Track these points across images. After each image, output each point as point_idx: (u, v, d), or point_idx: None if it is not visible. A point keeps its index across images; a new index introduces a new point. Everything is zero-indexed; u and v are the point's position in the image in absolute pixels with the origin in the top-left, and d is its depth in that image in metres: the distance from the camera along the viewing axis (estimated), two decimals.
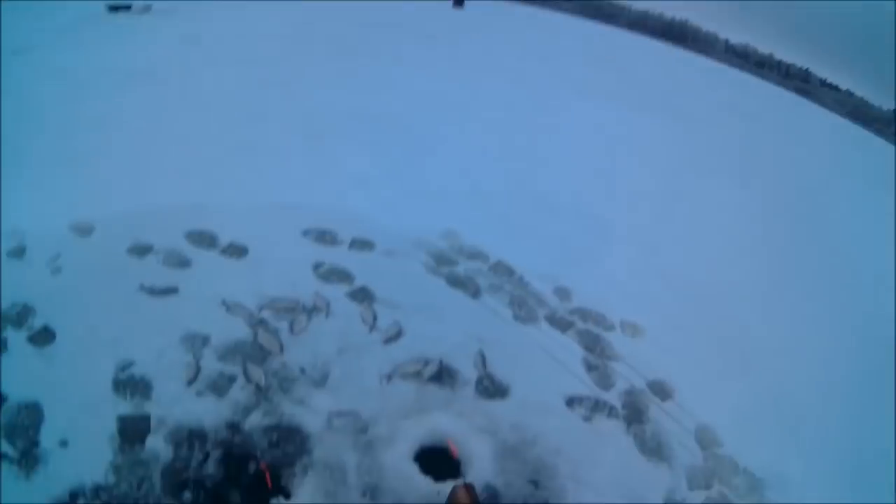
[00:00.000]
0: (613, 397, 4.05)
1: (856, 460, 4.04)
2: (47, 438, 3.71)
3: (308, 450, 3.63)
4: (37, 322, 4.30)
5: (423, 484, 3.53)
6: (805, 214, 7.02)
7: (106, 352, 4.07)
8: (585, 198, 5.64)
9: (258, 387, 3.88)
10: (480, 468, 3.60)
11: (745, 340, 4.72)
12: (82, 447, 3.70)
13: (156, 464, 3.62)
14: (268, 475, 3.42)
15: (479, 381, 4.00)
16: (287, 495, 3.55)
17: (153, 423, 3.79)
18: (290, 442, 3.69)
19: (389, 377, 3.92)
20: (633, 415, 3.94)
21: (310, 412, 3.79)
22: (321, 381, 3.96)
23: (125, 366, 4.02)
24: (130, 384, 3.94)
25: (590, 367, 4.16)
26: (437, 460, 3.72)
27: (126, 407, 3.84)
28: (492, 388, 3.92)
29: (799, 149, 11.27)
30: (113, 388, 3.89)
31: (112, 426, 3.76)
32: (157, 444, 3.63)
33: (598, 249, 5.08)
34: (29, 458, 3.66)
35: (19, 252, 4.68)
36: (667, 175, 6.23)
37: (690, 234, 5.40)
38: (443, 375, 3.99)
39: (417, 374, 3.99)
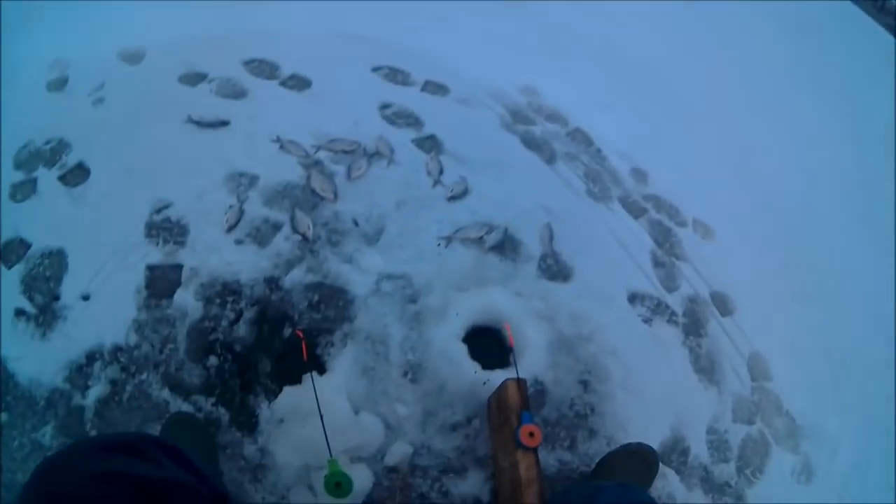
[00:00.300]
0: (676, 301, 3.22)
1: (890, 424, 3.32)
2: (68, 292, 3.04)
3: (350, 316, 2.89)
4: (71, 159, 3.47)
5: (470, 370, 2.80)
6: None
7: (142, 191, 3.29)
8: (676, 82, 4.43)
9: (304, 238, 3.09)
10: (531, 359, 2.86)
11: (811, 271, 3.73)
12: (105, 302, 3.02)
13: (182, 322, 2.92)
14: (304, 344, 2.66)
15: (542, 259, 3.13)
16: (321, 369, 2.84)
17: (185, 274, 3.06)
18: (332, 305, 2.93)
19: (449, 240, 3.07)
20: (692, 326, 3.16)
21: (358, 272, 3.00)
22: (374, 237, 3.14)
23: (161, 207, 3.24)
24: (165, 228, 3.17)
25: (657, 263, 3.30)
26: (487, 344, 2.95)
27: (157, 255, 3.10)
28: (555, 268, 3.08)
29: None
30: (145, 233, 3.14)
31: (140, 277, 3.03)
32: (186, 300, 2.94)
33: (681, 139, 4.03)
34: (47, 315, 3.01)
35: (60, 84, 3.79)
36: (764, 81, 4.89)
37: (778, 147, 4.28)
38: (506, 246, 3.13)
39: (479, 241, 3.13)
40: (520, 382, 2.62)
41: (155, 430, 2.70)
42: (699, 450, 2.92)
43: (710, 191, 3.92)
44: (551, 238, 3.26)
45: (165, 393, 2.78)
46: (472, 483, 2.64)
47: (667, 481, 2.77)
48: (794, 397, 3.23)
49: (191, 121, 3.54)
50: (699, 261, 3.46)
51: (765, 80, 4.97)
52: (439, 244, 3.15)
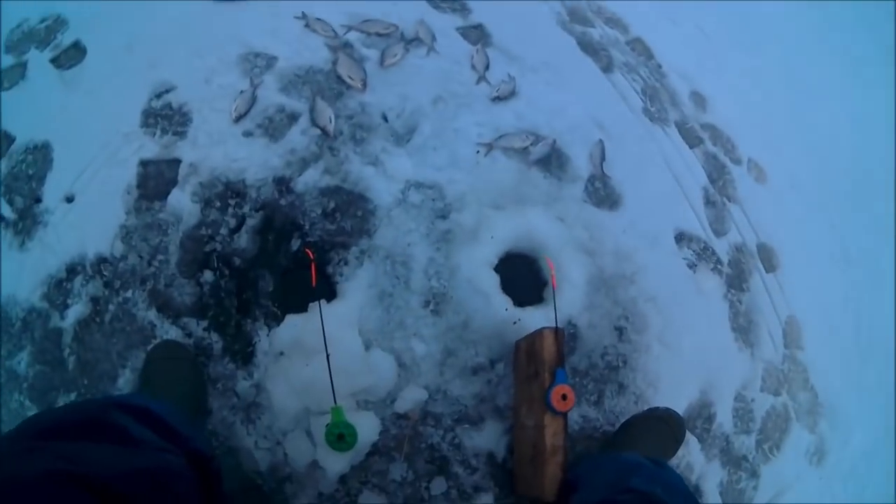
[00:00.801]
0: (722, 248, 2.30)
1: None
2: (51, 193, 2.04)
3: (370, 230, 1.95)
4: (66, 38, 2.31)
5: (500, 305, 1.93)
6: None
7: (143, 73, 2.20)
8: (748, 9, 3.24)
9: (324, 132, 2.07)
10: (567, 298, 2.00)
11: (856, 237, 2.73)
12: (91, 204, 2.03)
13: (175, 229, 1.97)
14: (313, 266, 1.77)
15: (590, 181, 2.17)
16: (331, 294, 1.91)
17: (182, 170, 2.04)
18: (349, 215, 1.98)
19: (489, 148, 2.09)
20: (736, 278, 2.27)
21: (382, 177, 2.02)
22: (404, 137, 2.12)
23: (163, 91, 2.16)
24: (165, 116, 2.11)
25: (708, 202, 2.36)
26: (522, 276, 2.04)
27: (153, 148, 2.07)
28: (603, 193, 2.15)
29: None
30: (142, 122, 2.09)
31: (132, 174, 2.02)
32: (182, 202, 1.97)
33: (745, 70, 2.90)
34: (26, 221, 2.01)
35: None
36: (839, 26, 3.58)
37: (841, 101, 3.12)
38: (552, 161, 2.16)
39: (523, 153, 2.13)
40: (558, 333, 1.79)
41: (139, 357, 1.87)
42: (724, 417, 2.14)
43: (767, 131, 2.79)
44: (602, 158, 2.25)
45: (152, 314, 1.91)
46: (488, 436, 1.88)
47: (688, 449, 2.04)
48: (821, 372, 2.41)
49: None
50: (750, 205, 2.48)
51: (840, 25, 3.65)
52: (478, 151, 2.14)
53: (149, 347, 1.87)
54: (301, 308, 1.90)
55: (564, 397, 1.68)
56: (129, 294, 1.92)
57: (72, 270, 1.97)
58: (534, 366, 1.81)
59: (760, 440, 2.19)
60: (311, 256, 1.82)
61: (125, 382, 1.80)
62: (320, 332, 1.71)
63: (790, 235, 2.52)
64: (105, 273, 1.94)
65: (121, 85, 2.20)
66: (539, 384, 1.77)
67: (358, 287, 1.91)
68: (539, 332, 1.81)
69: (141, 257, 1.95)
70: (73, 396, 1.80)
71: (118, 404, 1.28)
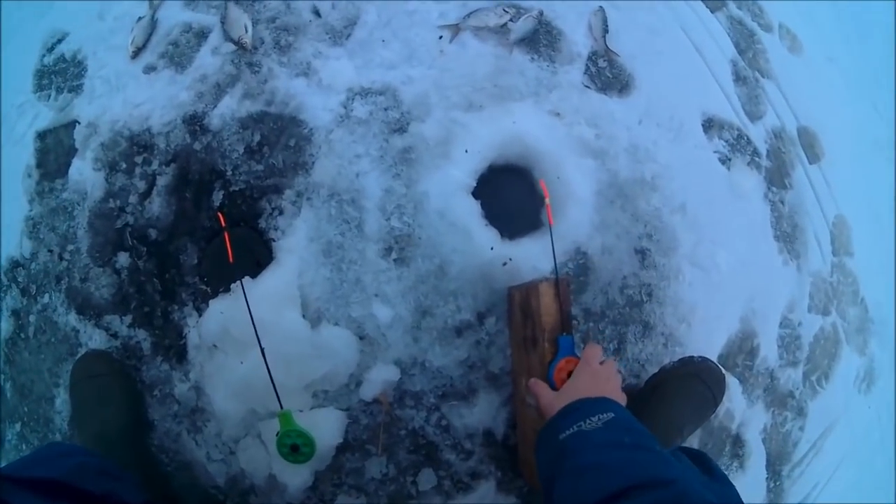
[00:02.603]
0: (759, 136, 0.89)
1: None
2: None
3: (307, 162, 0.70)
4: None
5: (484, 241, 0.69)
6: None
7: (31, 27, 0.83)
8: None
9: (240, 45, 0.74)
10: (573, 219, 0.73)
11: None
12: None
13: (82, 208, 0.72)
14: (227, 236, 0.62)
15: (591, 59, 0.79)
16: (266, 258, 0.68)
17: (80, 134, 0.75)
18: (279, 147, 0.70)
19: (455, 31, 0.73)
20: (776, 172, 0.89)
21: (317, 89, 0.73)
22: (343, 32, 0.76)
23: (55, 42, 0.82)
24: (58, 71, 0.79)
25: (738, 78, 0.91)
26: (510, 197, 0.75)
27: (48, 115, 0.77)
28: (609, 75, 0.79)
29: None
30: (35, 86, 0.79)
31: (30, 152, 0.76)
32: (84, 173, 0.72)
33: None
34: None
35: None
36: None
37: None
38: (540, 39, 0.78)
39: (501, 32, 0.74)
40: (560, 285, 0.58)
41: (67, 370, 0.72)
42: (769, 350, 0.84)
43: None
44: (605, 29, 0.81)
45: (73, 318, 0.73)
46: (482, 410, 0.70)
47: (728, 394, 0.77)
48: (870, 279, 0.99)
49: None
50: (786, 80, 0.95)
51: None
52: (441, 37, 0.76)
53: (73, 363, 0.74)
54: (227, 285, 0.71)
55: (572, 374, 0.57)
56: (46, 299, 0.77)
57: None
58: (531, 328, 0.61)
59: (808, 371, 0.89)
60: (223, 223, 0.64)
61: (62, 403, 0.77)
62: (250, 318, 0.61)
63: (831, 116, 0.99)
64: (20, 279, 0.79)
65: (10, 49, 0.91)
66: (539, 355, 0.59)
67: (297, 243, 0.70)
68: (534, 286, 0.59)
69: (51, 252, 0.76)
70: (18, 427, 0.80)
71: (14, 479, 0.47)
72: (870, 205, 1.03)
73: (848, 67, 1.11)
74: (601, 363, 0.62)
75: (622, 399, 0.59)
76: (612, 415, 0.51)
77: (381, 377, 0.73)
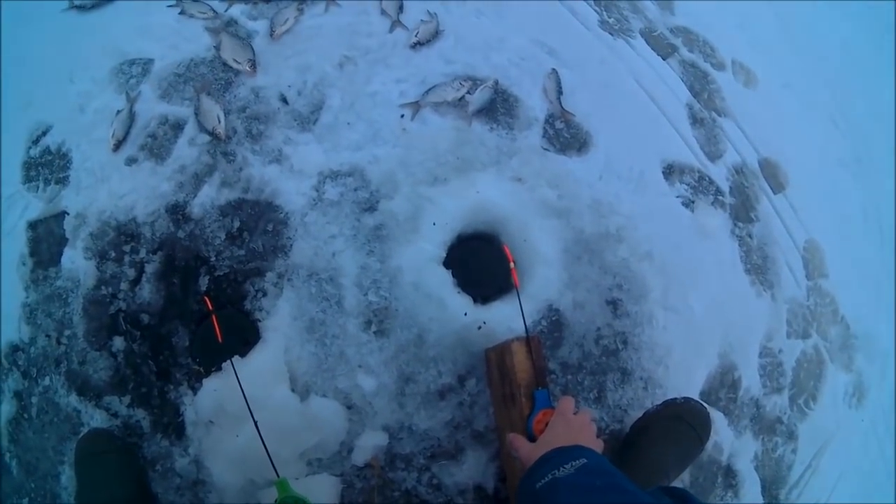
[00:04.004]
0: (720, 174, 0.94)
1: None
2: None
3: (285, 245, 0.75)
4: None
5: (458, 308, 0.73)
6: None
7: (17, 119, 0.89)
8: None
9: (214, 136, 0.80)
10: (543, 279, 0.77)
11: (860, 131, 1.17)
12: None
13: (76, 295, 0.77)
14: (214, 319, 0.69)
15: (549, 121, 0.84)
16: (253, 336, 0.73)
17: (69, 224, 0.81)
18: (258, 232, 0.76)
19: (416, 108, 0.80)
20: (741, 207, 0.93)
21: (289, 174, 0.78)
22: (310, 118, 0.83)
23: (40, 134, 0.88)
24: (44, 163, 0.85)
25: (695, 120, 0.96)
26: (479, 263, 0.79)
27: (38, 205, 0.83)
28: (566, 135, 0.84)
29: None
30: (23, 178, 0.85)
31: (23, 241, 0.82)
32: (76, 261, 0.78)
33: None
34: None
35: None
36: None
37: None
38: (497, 107, 0.83)
39: (459, 104, 0.80)
40: (531, 343, 0.64)
41: (72, 448, 0.77)
42: (751, 380, 0.88)
43: (746, 25, 1.16)
44: (559, 91, 0.86)
45: (73, 399, 0.78)
46: (472, 467, 0.74)
47: (714, 428, 0.80)
48: (848, 297, 1.02)
49: (73, 6, 0.96)
50: (743, 116, 1.01)
51: None
52: (403, 115, 0.82)
53: (77, 441, 0.78)
54: (218, 364, 0.75)
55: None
56: (47, 381, 0.82)
57: None
58: (508, 386, 0.66)
59: (794, 395, 0.92)
60: (210, 307, 0.71)
61: (68, 479, 0.81)
62: (242, 394, 0.66)
63: (792, 143, 1.04)
64: (20, 363, 0.84)
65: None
66: (518, 410, 0.64)
67: (281, 322, 0.75)
68: (507, 346, 0.65)
69: (49, 336, 0.82)
70: (25, 502, 0.84)
71: None
72: (841, 223, 1.08)
73: (804, 90, 1.15)
74: (575, 413, 0.66)
75: (597, 446, 0.62)
76: (585, 460, 0.54)
77: (370, 443, 0.77)
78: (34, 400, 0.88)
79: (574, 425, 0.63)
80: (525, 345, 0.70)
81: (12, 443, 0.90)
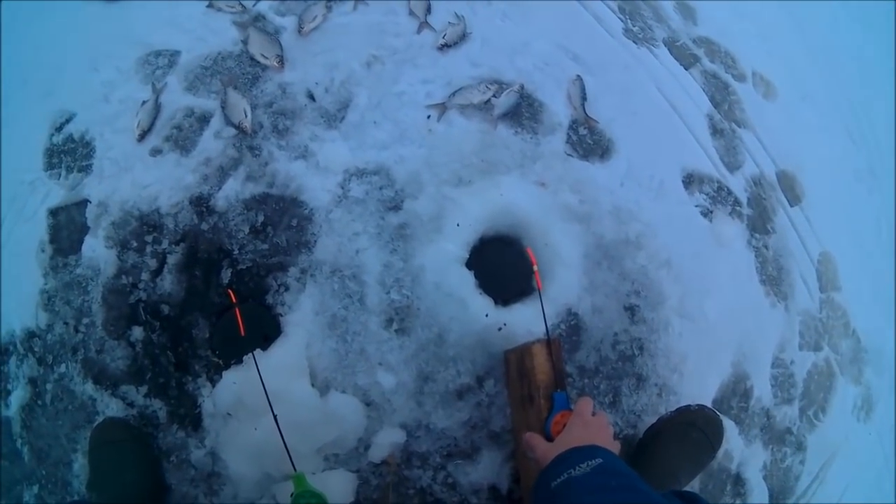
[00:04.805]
0: (739, 185, 0.95)
1: None
2: None
3: (309, 241, 0.76)
4: None
5: (479, 309, 0.74)
6: None
7: (39, 107, 0.89)
8: None
9: (241, 129, 0.81)
10: (562, 283, 0.78)
11: (876, 144, 1.18)
12: (7, 271, 0.80)
13: (95, 283, 0.77)
14: (238, 312, 0.70)
15: (572, 128, 0.85)
16: (275, 331, 0.74)
17: (91, 212, 0.81)
18: (282, 227, 0.77)
19: (442, 109, 0.81)
20: (759, 219, 0.94)
21: (315, 171, 0.79)
22: (336, 115, 0.83)
23: (63, 122, 0.87)
24: (67, 151, 0.85)
25: (715, 131, 0.97)
26: (502, 266, 0.80)
27: (59, 192, 0.83)
28: (590, 141, 0.85)
29: None
30: (45, 165, 0.85)
31: (43, 228, 0.81)
32: (97, 250, 0.78)
33: None
34: None
35: None
36: None
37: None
38: (522, 112, 0.84)
39: (485, 107, 0.81)
40: (552, 345, 0.65)
41: (87, 437, 0.77)
42: (762, 390, 0.90)
43: (767, 37, 1.17)
44: (583, 97, 0.88)
45: (89, 387, 0.79)
46: (487, 467, 0.75)
47: (725, 436, 0.81)
48: (860, 310, 1.04)
49: None
50: (762, 128, 1.02)
51: None
52: (429, 116, 0.83)
53: (92, 429, 0.79)
54: (239, 357, 0.76)
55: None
56: (63, 368, 0.82)
57: (4, 352, 0.88)
58: (527, 387, 0.68)
59: (804, 406, 0.94)
60: (234, 299, 0.72)
61: (80, 467, 0.82)
62: (263, 387, 0.68)
63: (809, 156, 1.05)
64: (36, 349, 0.85)
65: (19, 125, 0.97)
66: (536, 411, 0.65)
67: (303, 317, 0.76)
68: (528, 348, 0.67)
69: (66, 324, 0.82)
70: (35, 489, 0.85)
71: None
72: (855, 236, 1.10)
73: (822, 102, 1.18)
74: (593, 415, 0.67)
75: (614, 447, 0.63)
76: (601, 461, 0.54)
77: (388, 440, 0.79)
78: (49, 387, 0.88)
79: (591, 426, 0.64)
80: (546, 347, 0.72)
81: (25, 429, 0.91)
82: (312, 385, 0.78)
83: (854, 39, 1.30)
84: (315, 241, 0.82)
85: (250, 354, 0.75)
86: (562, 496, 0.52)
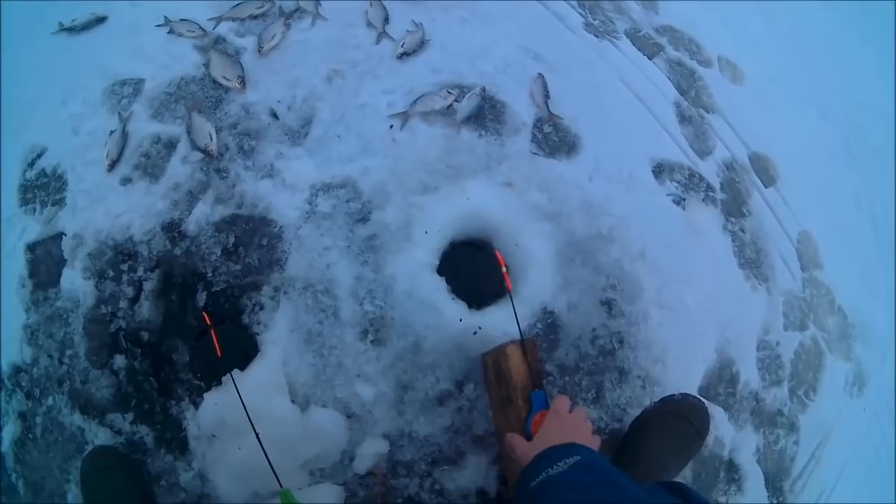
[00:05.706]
0: (710, 170, 0.95)
1: None
2: None
3: (280, 259, 0.77)
4: None
5: (453, 315, 0.75)
6: None
7: (12, 144, 0.91)
8: None
9: (206, 153, 0.82)
10: (536, 282, 0.78)
11: (850, 122, 1.18)
12: None
13: (76, 315, 0.79)
14: (213, 334, 0.70)
15: (537, 126, 0.86)
16: (252, 350, 0.75)
17: (67, 245, 0.83)
18: (253, 246, 0.78)
19: (405, 118, 0.81)
20: (733, 202, 0.94)
21: (282, 188, 0.80)
22: (300, 132, 0.85)
23: (35, 157, 0.90)
24: (40, 186, 0.88)
25: (683, 118, 0.97)
26: (473, 270, 0.80)
27: (36, 227, 0.85)
28: (555, 139, 0.85)
29: None
30: (20, 201, 0.87)
31: (22, 263, 0.84)
32: (75, 282, 0.80)
33: None
34: None
35: None
36: None
37: None
38: (485, 114, 0.85)
39: (448, 113, 0.82)
40: (526, 346, 0.66)
41: (77, 466, 0.78)
42: (749, 374, 0.89)
43: (732, 21, 1.17)
44: (546, 95, 0.88)
45: (77, 417, 0.80)
46: (473, 471, 0.75)
47: (714, 423, 0.83)
48: (844, 286, 1.03)
49: (63, 29, 0.99)
50: (732, 112, 1.02)
51: None
52: (392, 126, 0.84)
53: (82, 459, 0.80)
54: (217, 378, 0.77)
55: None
56: (50, 401, 0.84)
57: None
58: (505, 389, 0.68)
59: (794, 387, 0.93)
60: (209, 322, 0.73)
61: (74, 498, 0.83)
62: (243, 407, 0.68)
63: (782, 137, 1.05)
64: (23, 384, 0.87)
65: None
66: (515, 412, 0.66)
67: (279, 335, 0.77)
68: (503, 350, 0.67)
69: (51, 357, 0.84)
70: None
71: None
72: (833, 213, 1.09)
73: (791, 82, 1.17)
74: (570, 411, 0.67)
75: (593, 443, 0.63)
76: (578, 458, 0.55)
77: (371, 451, 0.79)
78: (38, 420, 0.90)
79: (569, 423, 0.65)
80: (520, 348, 0.72)
81: (18, 463, 0.93)
82: (292, 401, 0.79)
83: (822, 18, 1.29)
84: (286, 259, 0.83)
85: (229, 375, 0.75)
86: (541, 495, 0.52)
